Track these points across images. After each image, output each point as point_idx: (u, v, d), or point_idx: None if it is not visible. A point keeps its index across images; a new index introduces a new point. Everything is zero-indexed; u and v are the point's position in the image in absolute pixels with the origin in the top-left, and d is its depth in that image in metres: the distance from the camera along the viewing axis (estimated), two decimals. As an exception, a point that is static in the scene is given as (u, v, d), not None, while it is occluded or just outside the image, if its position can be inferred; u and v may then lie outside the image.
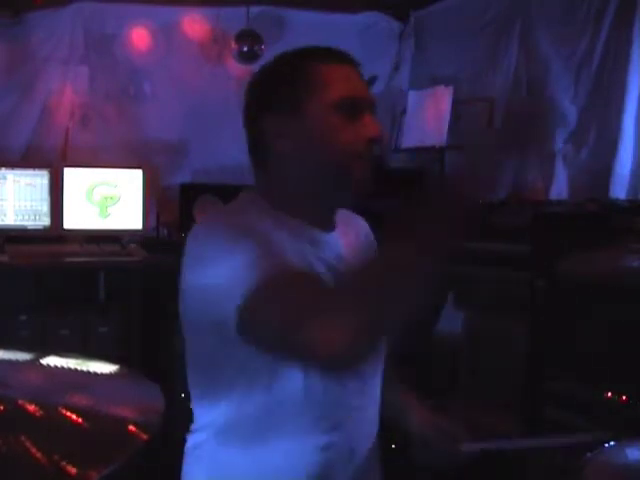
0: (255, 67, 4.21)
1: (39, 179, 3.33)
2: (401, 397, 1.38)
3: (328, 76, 1.18)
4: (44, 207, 3.34)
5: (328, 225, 1.22)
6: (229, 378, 1.12)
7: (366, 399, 1.20)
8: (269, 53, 3.61)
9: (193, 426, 1.22)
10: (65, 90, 3.54)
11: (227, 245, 1.03)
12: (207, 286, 1.02)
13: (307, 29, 3.78)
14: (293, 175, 1.17)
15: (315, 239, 1.18)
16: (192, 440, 1.22)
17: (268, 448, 1.13)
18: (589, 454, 1.04)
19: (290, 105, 1.16)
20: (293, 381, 1.09)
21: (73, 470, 0.58)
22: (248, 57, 3.60)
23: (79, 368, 0.88)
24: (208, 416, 1.19)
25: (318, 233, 1.19)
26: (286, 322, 0.93)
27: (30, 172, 3.33)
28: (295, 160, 1.15)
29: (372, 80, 3.62)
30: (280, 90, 1.18)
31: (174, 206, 3.55)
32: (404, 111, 3.59)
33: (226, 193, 3.76)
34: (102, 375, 0.89)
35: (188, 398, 1.22)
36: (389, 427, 1.31)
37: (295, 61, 1.21)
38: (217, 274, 1.01)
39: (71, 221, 3.37)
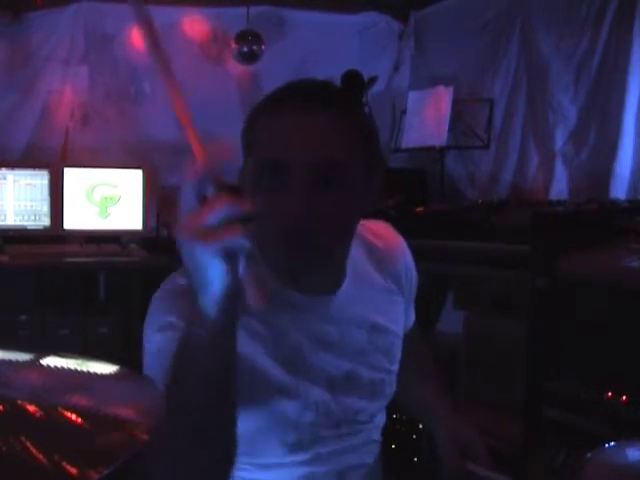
0: (255, 67, 4.20)
1: (39, 179, 3.33)
2: (431, 407, 1.30)
3: (260, 131, 1.00)
4: (44, 207, 3.34)
5: (319, 286, 1.08)
6: None
7: (354, 440, 1.14)
8: (269, 53, 3.61)
9: None
10: (65, 90, 3.54)
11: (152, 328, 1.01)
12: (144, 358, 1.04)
13: (307, 29, 3.78)
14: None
15: (297, 304, 1.05)
16: None
17: (244, 478, 1.09)
18: (589, 454, 1.04)
19: (243, 157, 1.04)
20: (264, 416, 1.04)
21: (73, 470, 0.58)
22: (248, 57, 3.60)
23: (79, 368, 0.88)
24: None
25: (299, 297, 1.05)
26: None
27: (30, 172, 3.33)
28: None
29: (372, 80, 3.62)
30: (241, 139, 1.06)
31: (174, 206, 3.55)
32: (404, 111, 3.59)
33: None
34: (102, 375, 0.89)
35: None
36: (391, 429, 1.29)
37: (253, 109, 1.03)
38: (145, 348, 1.04)
39: (71, 221, 3.37)
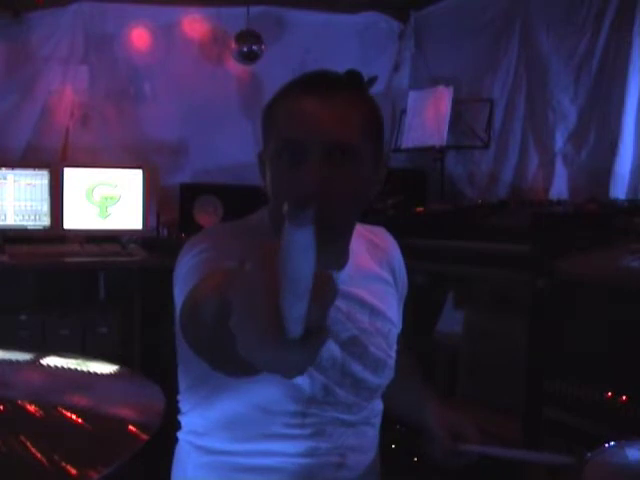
0: (255, 67, 4.20)
1: (39, 179, 3.33)
2: (419, 397, 1.38)
3: (282, 113, 1.05)
4: (44, 207, 3.34)
5: (324, 263, 1.10)
6: (206, 379, 1.10)
7: (355, 417, 1.18)
8: (269, 53, 3.61)
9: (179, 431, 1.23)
10: (65, 90, 3.54)
11: (194, 250, 1.02)
12: (175, 286, 1.04)
13: (307, 29, 3.78)
14: (271, 209, 1.11)
15: None
16: (178, 440, 1.23)
17: (250, 450, 1.12)
18: (589, 454, 1.04)
19: (264, 141, 1.10)
20: (271, 385, 1.07)
21: (73, 470, 0.58)
22: (248, 57, 3.60)
23: (79, 368, 0.88)
24: (189, 417, 1.20)
25: None
26: None
27: (30, 172, 3.33)
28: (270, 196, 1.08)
29: (372, 80, 3.62)
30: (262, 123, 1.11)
31: (174, 206, 3.55)
32: (404, 111, 3.59)
33: (226, 193, 3.74)
34: (102, 375, 0.89)
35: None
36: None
37: (275, 95, 1.10)
38: (177, 274, 1.03)
39: (71, 221, 3.37)
